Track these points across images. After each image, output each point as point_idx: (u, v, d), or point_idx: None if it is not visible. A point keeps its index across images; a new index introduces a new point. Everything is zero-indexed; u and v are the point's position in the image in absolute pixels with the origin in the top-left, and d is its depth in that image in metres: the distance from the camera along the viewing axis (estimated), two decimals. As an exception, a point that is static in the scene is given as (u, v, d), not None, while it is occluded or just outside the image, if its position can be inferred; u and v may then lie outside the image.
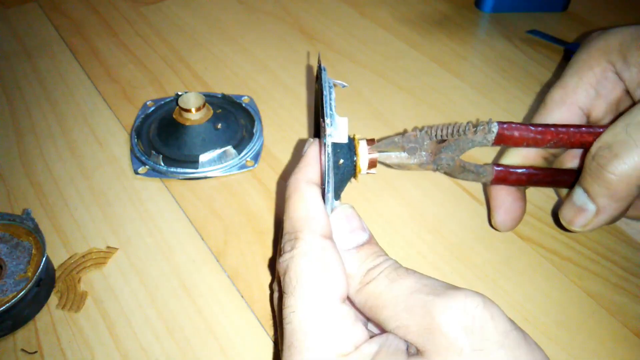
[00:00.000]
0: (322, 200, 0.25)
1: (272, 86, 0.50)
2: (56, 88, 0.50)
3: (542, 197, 0.40)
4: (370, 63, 0.53)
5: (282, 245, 0.25)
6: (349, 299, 0.25)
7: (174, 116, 0.42)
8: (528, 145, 0.29)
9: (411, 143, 0.29)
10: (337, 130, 0.25)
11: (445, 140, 0.29)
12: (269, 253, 0.36)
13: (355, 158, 0.28)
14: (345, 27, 0.58)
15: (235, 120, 0.44)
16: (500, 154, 0.37)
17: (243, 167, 0.41)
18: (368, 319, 0.26)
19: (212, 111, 0.43)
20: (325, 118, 0.25)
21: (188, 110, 0.41)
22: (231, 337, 0.32)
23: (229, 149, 0.41)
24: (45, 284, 0.33)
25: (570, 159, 0.34)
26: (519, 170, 0.32)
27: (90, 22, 0.59)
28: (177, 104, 0.42)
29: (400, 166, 0.29)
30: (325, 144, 0.25)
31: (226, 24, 0.59)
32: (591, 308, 0.33)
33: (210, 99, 0.45)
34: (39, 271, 0.31)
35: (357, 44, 0.56)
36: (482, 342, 0.20)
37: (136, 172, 0.41)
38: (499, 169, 0.32)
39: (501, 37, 0.57)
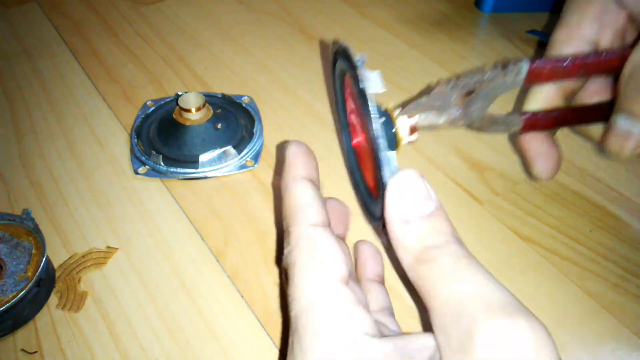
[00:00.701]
0: (311, 190, 0.26)
1: (272, 86, 0.50)
2: (56, 88, 0.50)
3: (542, 196, 0.40)
4: (370, 63, 0.53)
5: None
6: (404, 272, 0.24)
7: (174, 116, 0.42)
8: (558, 79, 0.28)
9: (438, 101, 0.27)
10: (370, 81, 0.25)
11: (472, 92, 0.28)
12: (269, 253, 0.36)
13: (394, 128, 0.26)
14: (345, 27, 0.58)
15: (235, 120, 0.44)
16: (520, 102, 0.36)
17: (243, 167, 0.41)
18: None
19: (212, 111, 0.43)
20: (359, 70, 0.25)
21: (188, 110, 0.41)
22: (231, 337, 0.32)
23: (229, 149, 0.41)
24: (45, 284, 0.33)
25: (590, 96, 0.34)
26: (545, 115, 0.32)
27: (90, 22, 0.59)
28: (177, 104, 0.42)
29: (430, 127, 0.28)
30: (364, 95, 0.24)
31: (226, 24, 0.59)
32: (591, 308, 0.33)
33: (210, 99, 0.45)
34: (39, 271, 0.31)
35: (357, 44, 0.56)
36: None
37: (136, 172, 0.41)
38: (526, 116, 0.31)
39: (501, 37, 0.57)
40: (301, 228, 0.24)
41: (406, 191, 0.23)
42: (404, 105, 0.27)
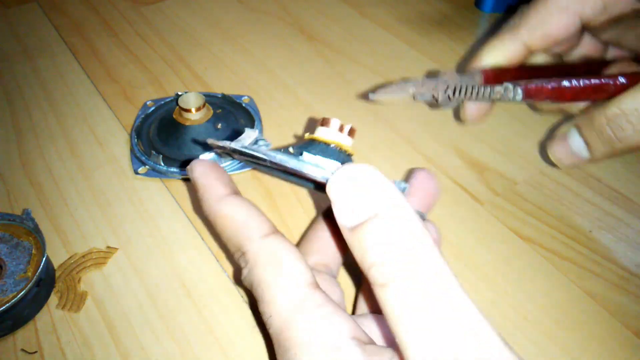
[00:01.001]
0: (242, 204, 0.25)
1: (272, 86, 0.50)
2: (56, 88, 0.50)
3: (542, 196, 0.40)
4: (370, 63, 0.53)
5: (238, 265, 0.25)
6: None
7: (174, 116, 0.42)
8: (552, 101, 0.30)
9: (424, 90, 0.28)
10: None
11: (458, 95, 0.29)
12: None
13: (333, 146, 0.25)
14: (345, 27, 0.58)
15: (235, 120, 0.44)
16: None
17: (243, 167, 0.41)
18: None
19: (212, 111, 0.43)
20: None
21: (188, 110, 0.41)
22: (231, 337, 0.32)
23: (229, 149, 0.41)
24: (45, 284, 0.33)
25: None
26: (509, 72, 0.32)
27: (90, 22, 0.59)
28: (177, 104, 0.42)
29: (390, 99, 0.29)
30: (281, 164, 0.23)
31: (226, 24, 0.59)
32: (591, 308, 0.33)
33: (210, 99, 0.45)
34: (39, 271, 0.31)
35: (357, 44, 0.56)
36: None
37: (136, 172, 0.41)
38: (486, 72, 0.31)
39: (501, 37, 0.57)
40: (254, 244, 0.23)
41: (345, 192, 0.20)
42: (380, 88, 0.27)
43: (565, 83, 0.29)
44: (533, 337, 0.31)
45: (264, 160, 0.24)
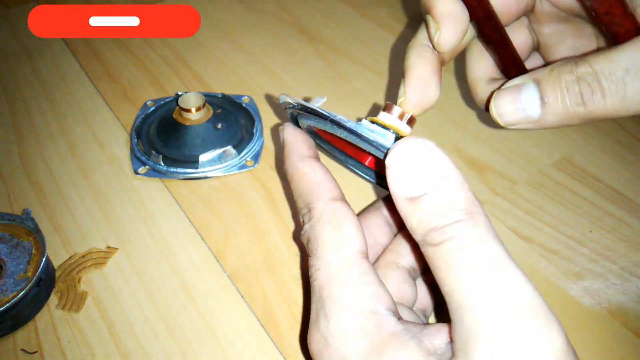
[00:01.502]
0: (322, 167, 0.27)
1: (272, 86, 0.50)
2: (56, 88, 0.50)
3: (542, 196, 0.40)
4: (370, 63, 0.53)
5: (301, 220, 0.26)
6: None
7: (174, 116, 0.42)
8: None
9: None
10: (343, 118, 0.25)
11: None
12: (269, 253, 0.36)
13: (392, 134, 0.26)
14: (345, 27, 0.58)
15: (235, 120, 0.44)
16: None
17: (243, 167, 0.41)
18: None
19: (212, 111, 0.43)
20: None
21: (188, 110, 0.41)
22: (231, 337, 0.32)
23: (229, 149, 0.41)
24: (45, 284, 0.33)
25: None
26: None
27: (90, 22, 0.59)
28: (177, 104, 0.42)
29: None
30: (357, 133, 0.24)
31: (226, 24, 0.59)
32: (591, 308, 0.33)
33: (210, 99, 0.45)
34: (39, 271, 0.31)
35: (357, 44, 0.56)
36: None
37: (136, 172, 0.41)
38: None
39: (501, 37, 0.57)
40: (322, 203, 0.25)
41: (405, 165, 0.21)
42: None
43: None
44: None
45: (326, 118, 0.25)
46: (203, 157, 0.40)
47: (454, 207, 0.20)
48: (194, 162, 0.41)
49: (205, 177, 0.41)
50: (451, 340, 0.21)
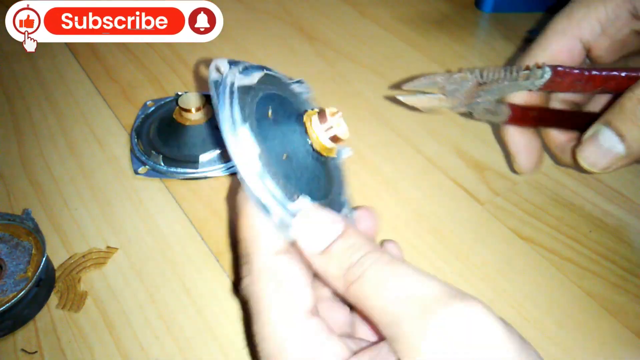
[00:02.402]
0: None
1: (272, 86, 0.50)
2: (56, 88, 0.50)
3: (542, 196, 0.40)
4: (370, 63, 0.53)
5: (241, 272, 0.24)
6: (345, 300, 0.24)
7: (174, 116, 0.42)
8: (575, 92, 0.28)
9: (454, 85, 0.27)
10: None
11: (486, 83, 0.28)
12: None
13: (310, 142, 0.24)
14: (345, 27, 0.58)
15: (235, 120, 0.44)
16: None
17: (243, 167, 0.41)
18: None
19: (212, 111, 0.43)
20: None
21: (188, 110, 0.41)
22: (231, 337, 0.32)
23: (229, 149, 0.41)
24: (45, 284, 0.33)
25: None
26: (532, 110, 0.31)
27: (90, 22, 0.59)
28: (177, 104, 0.42)
29: (430, 110, 0.28)
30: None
31: (226, 24, 0.59)
32: (591, 308, 0.33)
33: (210, 99, 0.45)
34: (39, 271, 0.31)
35: (357, 44, 0.56)
36: None
37: (136, 172, 0.41)
38: (513, 108, 0.31)
39: (501, 37, 0.57)
40: (263, 257, 0.23)
41: (309, 226, 0.23)
42: (412, 79, 0.26)
43: (595, 71, 0.28)
44: (533, 337, 0.31)
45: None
46: (203, 157, 0.40)
47: (360, 244, 0.22)
48: (194, 162, 0.40)
49: (205, 177, 0.41)
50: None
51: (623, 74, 0.28)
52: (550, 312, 0.33)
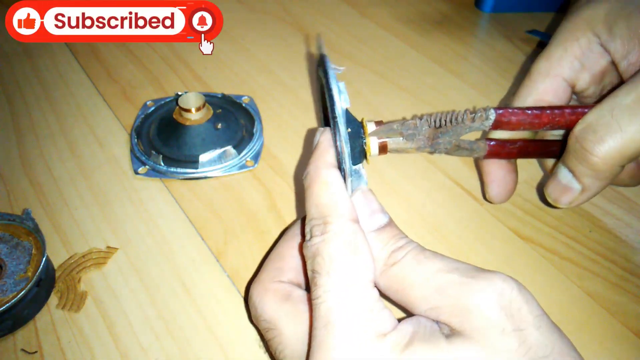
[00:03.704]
0: (345, 185, 0.26)
1: (272, 86, 0.50)
2: (56, 88, 0.50)
3: (541, 196, 0.40)
4: (370, 63, 0.53)
5: (309, 230, 0.25)
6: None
7: (174, 116, 0.42)
8: (525, 129, 0.30)
9: (410, 130, 0.29)
10: (343, 95, 0.26)
11: (441, 127, 0.30)
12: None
13: (364, 140, 0.28)
14: (345, 27, 0.58)
15: (235, 120, 0.44)
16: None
17: (243, 167, 0.41)
18: (393, 303, 0.26)
19: (212, 111, 0.43)
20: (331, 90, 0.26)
21: (188, 110, 0.41)
22: (231, 337, 0.32)
23: (229, 149, 0.41)
24: (45, 284, 0.33)
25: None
26: (510, 145, 0.33)
27: (90, 22, 0.59)
28: (177, 104, 0.42)
29: (398, 150, 0.30)
30: (336, 121, 0.25)
31: (226, 24, 0.59)
32: (591, 308, 0.33)
33: (210, 99, 0.45)
34: (39, 271, 0.31)
35: (357, 44, 0.56)
36: (520, 323, 0.21)
37: (136, 172, 0.41)
38: (492, 143, 0.32)
39: (501, 37, 0.57)
40: (343, 221, 0.24)
41: (365, 206, 0.26)
42: (377, 124, 0.29)
43: (538, 110, 0.30)
44: (533, 337, 0.31)
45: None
46: (203, 157, 0.40)
47: (401, 234, 0.26)
48: (194, 162, 0.41)
49: (205, 177, 0.41)
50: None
51: (568, 111, 0.29)
52: (550, 312, 0.33)
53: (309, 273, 0.25)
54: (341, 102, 0.26)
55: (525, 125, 0.29)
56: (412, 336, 0.22)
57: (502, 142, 0.33)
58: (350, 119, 0.27)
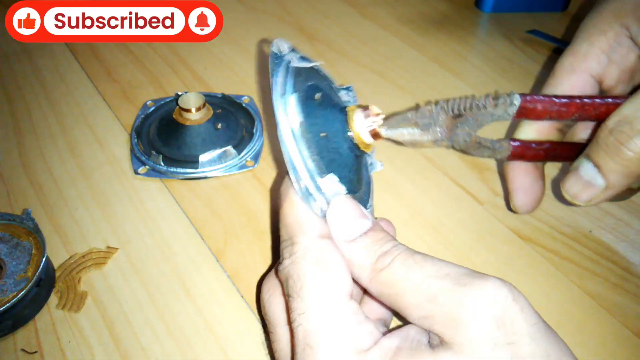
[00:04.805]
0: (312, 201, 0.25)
1: (272, 86, 0.50)
2: (56, 88, 0.50)
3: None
4: (370, 63, 0.53)
5: (282, 252, 0.25)
6: (365, 290, 0.25)
7: (174, 116, 0.42)
8: (551, 118, 0.28)
9: (425, 119, 0.27)
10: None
11: (461, 115, 0.27)
12: (269, 253, 0.36)
13: (350, 132, 0.26)
14: (345, 27, 0.58)
15: (235, 120, 0.44)
16: (513, 129, 0.35)
17: (243, 167, 0.41)
18: (388, 307, 0.26)
19: (212, 111, 0.43)
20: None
21: (188, 110, 0.41)
22: (231, 337, 0.32)
23: (229, 149, 0.41)
24: (45, 284, 0.33)
25: (582, 130, 0.33)
26: (536, 146, 0.31)
27: (90, 22, 0.59)
28: (177, 104, 0.42)
29: (412, 143, 0.27)
30: (281, 137, 0.23)
31: (226, 24, 0.59)
32: (591, 308, 0.33)
33: (210, 99, 0.45)
34: (39, 271, 0.31)
35: (357, 44, 0.56)
36: (513, 335, 0.20)
37: (136, 172, 0.41)
38: (516, 144, 0.30)
39: (501, 37, 0.57)
40: (308, 239, 0.24)
41: (343, 215, 0.24)
42: (388, 117, 0.27)
43: (567, 99, 0.28)
44: (533, 337, 0.31)
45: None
46: (203, 157, 0.40)
47: (388, 238, 0.24)
48: (194, 162, 0.40)
49: (205, 177, 0.41)
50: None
51: (599, 101, 0.27)
52: (550, 312, 0.33)
53: (286, 297, 0.24)
54: (291, 115, 0.24)
55: (552, 114, 0.27)
56: (395, 352, 0.22)
57: (527, 143, 0.31)
58: (335, 109, 0.26)
